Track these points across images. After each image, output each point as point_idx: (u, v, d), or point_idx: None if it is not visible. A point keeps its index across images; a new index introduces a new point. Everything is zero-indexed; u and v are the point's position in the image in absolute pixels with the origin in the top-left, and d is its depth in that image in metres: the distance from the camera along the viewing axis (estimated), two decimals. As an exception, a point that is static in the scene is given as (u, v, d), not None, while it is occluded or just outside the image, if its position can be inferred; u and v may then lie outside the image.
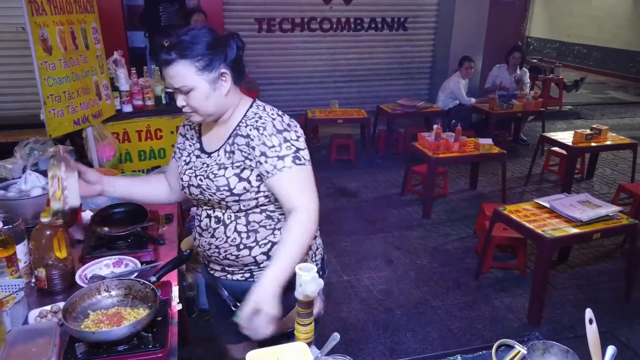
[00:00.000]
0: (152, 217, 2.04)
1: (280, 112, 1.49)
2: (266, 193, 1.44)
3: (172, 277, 1.70)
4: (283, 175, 1.37)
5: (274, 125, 1.41)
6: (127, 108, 3.67)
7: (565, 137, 4.73)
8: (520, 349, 1.21)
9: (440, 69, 6.93)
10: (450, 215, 4.35)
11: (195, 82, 1.36)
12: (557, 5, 11.78)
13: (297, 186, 1.39)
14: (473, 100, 5.87)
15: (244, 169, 1.42)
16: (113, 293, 1.44)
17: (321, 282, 1.01)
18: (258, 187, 1.42)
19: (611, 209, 3.05)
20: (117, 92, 3.62)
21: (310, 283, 1.00)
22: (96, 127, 3.34)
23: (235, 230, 1.47)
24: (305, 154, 1.42)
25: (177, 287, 1.66)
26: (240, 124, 1.45)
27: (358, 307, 3.05)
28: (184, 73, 1.35)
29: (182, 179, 1.55)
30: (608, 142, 4.70)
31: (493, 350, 1.23)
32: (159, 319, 1.40)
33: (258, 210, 1.46)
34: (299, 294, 1.02)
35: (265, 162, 1.38)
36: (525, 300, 3.07)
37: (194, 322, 2.83)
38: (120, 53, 3.74)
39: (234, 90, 1.45)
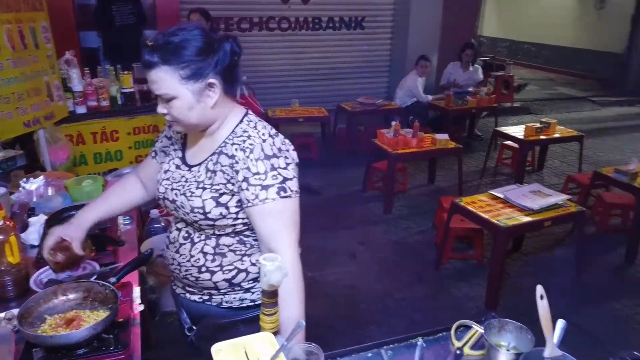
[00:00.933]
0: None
1: (273, 132, 1.32)
2: (245, 220, 1.30)
3: (133, 278, 1.67)
4: (265, 208, 1.23)
5: (262, 149, 1.25)
6: (81, 109, 3.55)
7: (517, 131, 4.93)
8: (477, 329, 1.26)
9: (398, 67, 7.06)
10: (411, 209, 4.45)
11: (177, 92, 1.21)
12: (507, 6, 12.23)
13: (279, 223, 1.25)
14: (430, 97, 6.02)
15: (224, 193, 1.28)
16: (71, 297, 1.40)
17: (286, 270, 1.03)
18: (237, 213, 1.29)
19: (560, 198, 3.21)
20: (70, 93, 3.50)
21: (274, 272, 1.01)
22: (48, 130, 3.23)
23: (202, 250, 1.35)
24: (292, 184, 1.28)
25: (139, 287, 1.64)
26: (227, 140, 1.30)
27: (323, 303, 3.08)
28: (167, 80, 1.20)
29: (158, 189, 1.42)
30: (557, 135, 4.93)
31: (452, 331, 1.28)
32: (121, 320, 1.37)
33: (232, 234, 1.34)
34: (263, 283, 1.03)
35: (247, 189, 1.24)
36: (483, 289, 3.19)
37: (158, 325, 2.78)
38: (72, 53, 3.63)
39: (224, 100, 1.29)
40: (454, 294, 3.21)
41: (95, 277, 1.59)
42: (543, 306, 1.09)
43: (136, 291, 1.58)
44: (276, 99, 6.61)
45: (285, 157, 1.29)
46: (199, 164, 1.34)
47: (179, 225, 1.41)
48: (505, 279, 3.28)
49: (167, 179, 1.40)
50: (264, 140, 1.27)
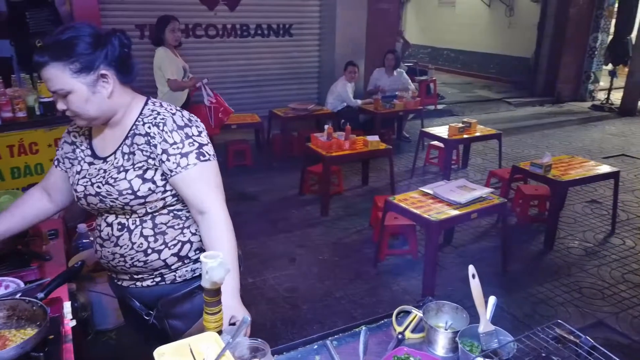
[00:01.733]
0: (34, 234, 1.88)
1: (178, 108, 1.42)
2: (173, 192, 1.38)
3: (63, 293, 1.58)
4: (188, 174, 1.31)
5: (174, 121, 1.34)
6: (-6, 121, 3.30)
7: (442, 131, 5.18)
8: (416, 313, 1.32)
9: (327, 73, 7.19)
10: (347, 210, 4.54)
11: (71, 86, 1.27)
12: (427, 15, 12.87)
13: (204, 185, 1.33)
14: (359, 102, 6.19)
15: (147, 169, 1.34)
16: (-7, 317, 1.31)
17: (228, 267, 1.02)
18: (164, 186, 1.36)
19: (484, 191, 3.41)
20: (-21, 104, 3.24)
21: (217, 269, 1.00)
22: (-44, 144, 2.97)
23: (142, 235, 1.39)
24: (209, 149, 1.37)
25: (69, 302, 1.55)
26: (137, 122, 1.37)
27: (265, 307, 3.06)
28: (59, 76, 1.26)
29: (75, 190, 1.43)
30: (477, 134, 5.24)
31: (394, 318, 1.33)
32: (51, 337, 1.30)
33: (165, 211, 1.40)
34: (205, 281, 1.02)
35: (168, 160, 1.31)
36: (419, 282, 3.32)
37: (91, 344, 2.63)
38: (-20, 61, 3.36)
39: (121, 90, 1.36)
40: (392, 289, 3.31)
41: (20, 294, 1.49)
42: (475, 285, 1.16)
43: (67, 306, 1.50)
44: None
45: (197, 126, 1.38)
46: (114, 153, 1.38)
47: (109, 220, 1.42)
48: (439, 270, 3.43)
49: (84, 177, 1.42)
50: (174, 114, 1.36)
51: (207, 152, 1.35)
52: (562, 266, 3.61)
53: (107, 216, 1.42)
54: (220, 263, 1.00)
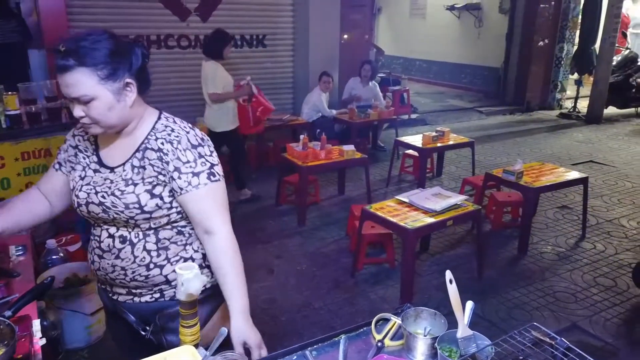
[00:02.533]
0: (0, 250, 1.81)
1: (190, 125, 1.42)
2: (179, 209, 1.37)
3: (32, 310, 1.52)
4: (198, 193, 1.32)
5: (188, 140, 1.34)
6: (-44, 135, 3.18)
7: (416, 140, 5.25)
8: (395, 320, 1.32)
9: (301, 83, 7.21)
10: (324, 220, 4.53)
11: (97, 92, 1.24)
12: (399, 26, 13.08)
13: (212, 205, 1.34)
14: (334, 111, 6.22)
15: (157, 185, 1.33)
16: (-43, 336, 1.25)
17: (204, 278, 1.00)
18: (170, 203, 1.35)
19: (459, 198, 3.46)
20: (-59, 117, 3.12)
21: (193, 280, 0.98)
22: None
23: (145, 249, 1.37)
24: (219, 169, 1.38)
25: (38, 320, 1.49)
26: (149, 136, 1.36)
27: (243, 320, 3.02)
28: (85, 82, 1.22)
29: (77, 196, 1.39)
30: (451, 142, 5.32)
31: (373, 326, 1.32)
32: (20, 357, 1.25)
33: (169, 226, 1.39)
34: (181, 294, 1.00)
35: (179, 178, 1.31)
36: (397, 290, 3.33)
37: (61, 364, 2.54)
38: (-58, 73, 3.25)
39: (139, 100, 1.35)
40: (370, 298, 3.31)
41: (-15, 313, 1.43)
42: (453, 290, 1.17)
43: (36, 324, 1.45)
44: (181, 117, 6.41)
45: (209, 146, 1.39)
46: (123, 164, 1.36)
47: (111, 231, 1.39)
48: (416, 278, 3.44)
49: (88, 184, 1.39)
50: (188, 132, 1.36)
51: (217, 173, 1.37)
52: (536, 271, 3.68)
53: (109, 227, 1.39)
54: (195, 274, 0.98)
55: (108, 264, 1.40)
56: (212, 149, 1.39)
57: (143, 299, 1.42)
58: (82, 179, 1.40)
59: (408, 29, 12.79)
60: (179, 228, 1.40)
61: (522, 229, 4.04)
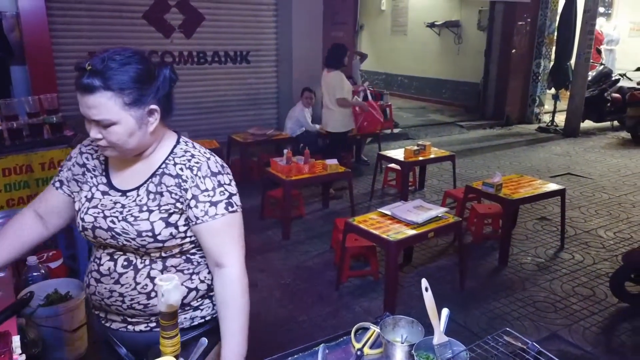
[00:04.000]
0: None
1: (210, 151, 1.36)
2: (193, 239, 1.31)
3: (12, 327, 1.51)
4: (214, 224, 1.26)
5: (208, 167, 1.28)
6: None
7: (398, 154, 5.33)
8: (374, 328, 1.35)
9: (285, 98, 7.28)
10: (308, 233, 4.55)
11: (120, 118, 1.17)
12: (381, 43, 13.31)
13: (227, 238, 1.28)
14: (317, 126, 6.29)
15: (173, 213, 1.26)
16: None
17: (184, 289, 1.02)
18: (185, 232, 1.29)
19: (440, 210, 3.52)
20: None
21: (172, 291, 1.00)
22: None
23: (148, 275, 1.29)
24: (237, 199, 1.32)
25: (18, 336, 1.48)
26: (167, 161, 1.29)
27: (226, 335, 3.00)
28: (108, 106, 1.16)
29: (82, 219, 1.30)
30: (432, 156, 5.42)
31: (352, 334, 1.35)
32: (-1, 373, 1.24)
33: (179, 254, 1.32)
34: (161, 305, 1.01)
35: (196, 206, 1.25)
36: (381, 302, 3.35)
37: (40, 383, 2.49)
38: None
39: (160, 125, 1.29)
40: (354, 310, 3.33)
41: (-37, 330, 1.41)
42: (428, 297, 1.21)
43: (16, 340, 1.43)
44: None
45: (228, 174, 1.34)
46: (137, 188, 1.29)
47: (114, 256, 1.32)
48: (399, 290, 3.48)
49: (95, 207, 1.30)
50: (209, 159, 1.31)
51: (235, 203, 1.31)
52: (516, 281, 3.74)
53: (114, 251, 1.31)
54: (175, 285, 1.00)
55: (105, 288, 1.32)
56: (231, 177, 1.34)
57: (137, 328, 1.35)
58: (88, 200, 1.32)
59: (390, 46, 13.03)
60: (188, 255, 1.34)
61: (502, 240, 4.11)
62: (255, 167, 5.95)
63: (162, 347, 1.07)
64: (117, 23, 6.02)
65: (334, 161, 4.68)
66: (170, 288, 1.00)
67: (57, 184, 1.43)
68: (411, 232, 3.25)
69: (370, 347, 1.31)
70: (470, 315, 3.26)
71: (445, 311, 1.25)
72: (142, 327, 1.35)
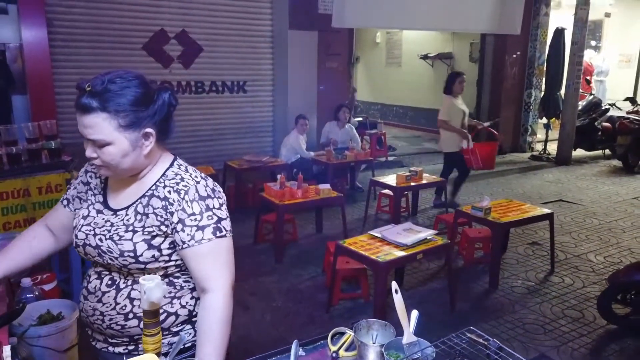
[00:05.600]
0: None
1: (203, 175, 1.35)
2: (178, 262, 1.29)
3: (3, 337, 1.56)
4: (200, 249, 1.24)
5: (197, 190, 1.27)
6: None
7: (391, 179, 5.43)
8: (350, 333, 1.41)
9: (281, 127, 7.44)
10: (301, 257, 4.60)
11: (113, 138, 1.20)
12: (376, 74, 13.64)
13: (215, 263, 1.25)
14: (312, 153, 6.41)
15: (156, 235, 1.26)
16: None
17: (166, 287, 1.09)
18: (169, 255, 1.28)
19: (429, 233, 3.59)
20: None
21: (154, 289, 1.06)
22: None
23: (128, 296, 1.29)
24: (227, 224, 1.30)
25: (9, 346, 1.53)
26: (158, 183, 1.30)
27: (216, 356, 3.02)
28: (104, 127, 1.19)
29: (76, 236, 1.34)
30: (424, 181, 5.51)
31: (329, 338, 1.41)
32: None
33: (163, 277, 1.30)
34: (144, 302, 1.08)
35: (182, 230, 1.24)
36: (371, 323, 3.37)
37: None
38: None
39: (155, 147, 1.30)
40: (344, 332, 3.34)
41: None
42: (398, 299, 1.27)
43: (6, 350, 1.48)
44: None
45: (219, 198, 1.32)
46: (126, 208, 1.31)
47: (101, 274, 1.34)
48: (389, 312, 3.50)
49: (88, 225, 1.33)
50: (198, 182, 1.29)
51: (224, 228, 1.28)
52: (506, 304, 3.77)
53: (101, 270, 1.34)
54: (157, 284, 1.07)
55: (90, 306, 1.34)
56: (222, 201, 1.32)
57: (117, 350, 1.35)
58: (84, 218, 1.35)
59: (385, 77, 13.35)
60: (171, 278, 1.32)
61: (491, 262, 4.15)
62: (250, 193, 6.04)
63: (144, 345, 1.13)
64: (117, 54, 6.22)
65: (327, 186, 4.77)
66: (152, 286, 1.06)
67: (65, 202, 1.47)
68: (400, 253, 3.31)
69: (346, 350, 1.37)
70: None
71: (415, 312, 1.32)
72: (121, 349, 1.34)
